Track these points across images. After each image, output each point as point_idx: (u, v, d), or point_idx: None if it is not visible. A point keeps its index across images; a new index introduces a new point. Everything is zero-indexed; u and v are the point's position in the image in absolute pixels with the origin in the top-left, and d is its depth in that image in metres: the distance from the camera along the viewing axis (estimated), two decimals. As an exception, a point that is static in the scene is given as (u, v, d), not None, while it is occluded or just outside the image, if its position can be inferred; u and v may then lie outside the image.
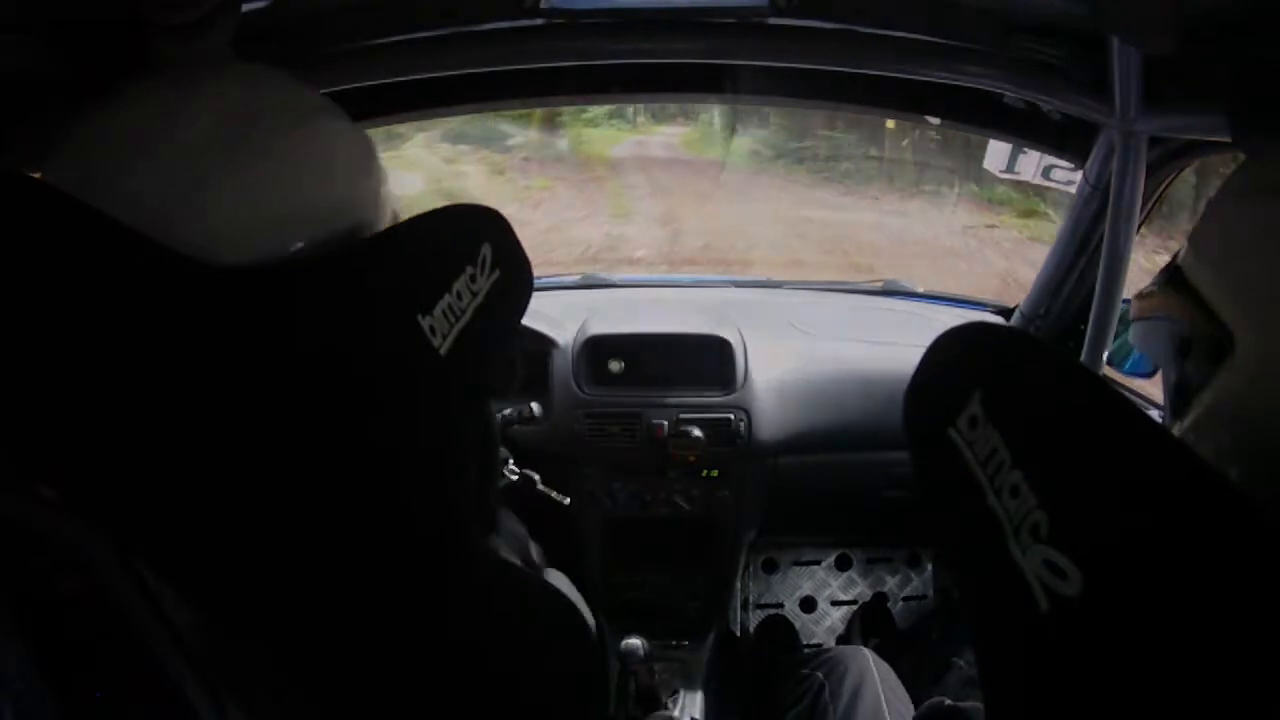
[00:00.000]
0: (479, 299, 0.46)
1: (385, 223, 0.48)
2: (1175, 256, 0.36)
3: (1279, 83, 0.36)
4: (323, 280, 0.39)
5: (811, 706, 0.94)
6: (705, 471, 1.27)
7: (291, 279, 0.38)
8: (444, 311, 0.43)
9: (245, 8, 0.68)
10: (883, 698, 0.92)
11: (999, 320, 1.36)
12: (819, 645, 1.51)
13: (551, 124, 5.89)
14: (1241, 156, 0.35)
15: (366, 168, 0.48)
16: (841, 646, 1.07)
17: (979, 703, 0.74)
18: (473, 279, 0.46)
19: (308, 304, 0.37)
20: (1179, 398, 0.35)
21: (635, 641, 1.10)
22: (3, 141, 0.40)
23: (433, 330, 0.42)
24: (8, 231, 0.30)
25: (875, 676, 0.96)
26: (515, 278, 0.51)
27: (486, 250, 0.48)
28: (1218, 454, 0.32)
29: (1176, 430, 0.35)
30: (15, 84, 0.35)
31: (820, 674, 1.00)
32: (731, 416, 1.23)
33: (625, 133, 6.65)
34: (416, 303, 0.42)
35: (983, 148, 1.21)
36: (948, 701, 0.77)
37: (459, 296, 0.44)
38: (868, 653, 1.03)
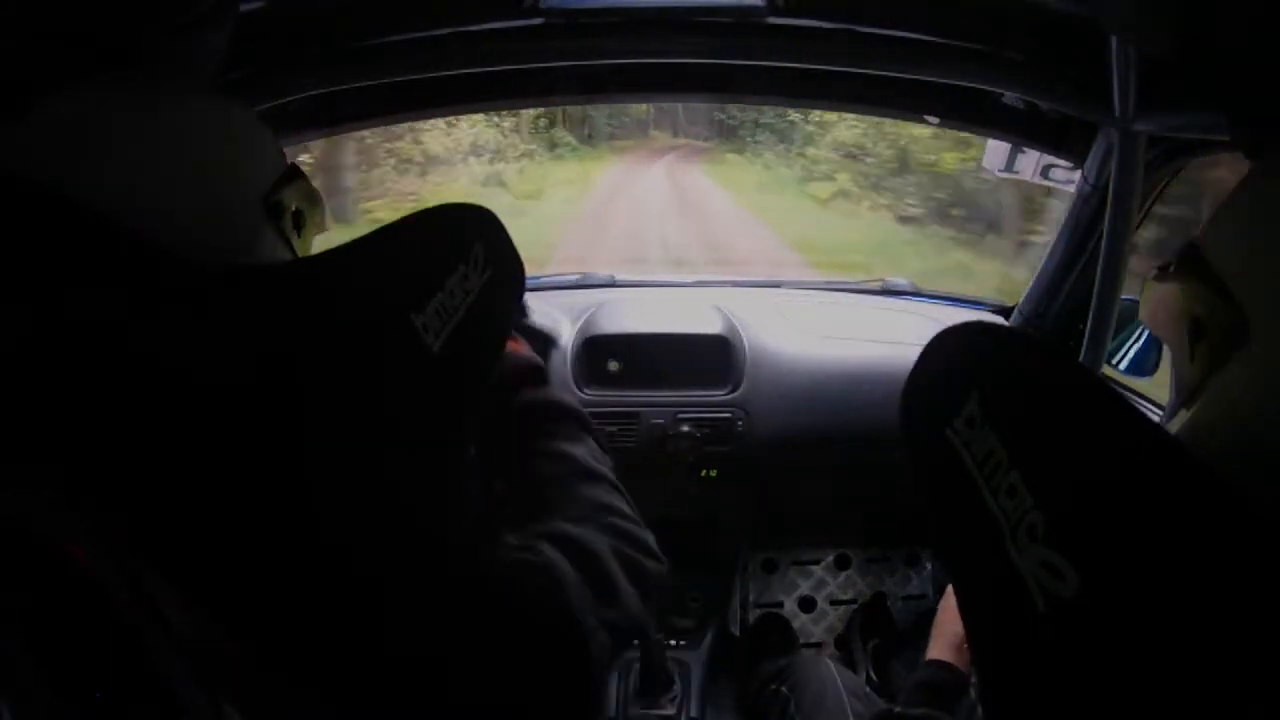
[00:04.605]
0: (472, 297, 0.46)
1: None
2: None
3: (1278, 83, 0.36)
4: (314, 278, 0.39)
5: None
6: (704, 471, 1.27)
7: (284, 277, 0.38)
8: (437, 310, 0.43)
9: (244, 8, 0.68)
10: (848, 707, 0.93)
11: (998, 319, 1.36)
12: (818, 645, 1.52)
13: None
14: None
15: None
16: (805, 657, 1.07)
17: (935, 710, 0.74)
18: (465, 277, 0.46)
19: (300, 301, 0.37)
20: (1187, 383, 0.34)
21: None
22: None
23: (425, 328, 0.41)
24: (4, 230, 0.30)
25: (839, 685, 0.96)
26: (508, 276, 0.51)
27: (479, 248, 0.48)
28: (1223, 446, 0.31)
29: (1181, 419, 0.35)
30: (11, 83, 0.35)
31: (785, 689, 1.00)
32: (730, 416, 1.23)
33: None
34: (408, 301, 0.41)
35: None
36: (897, 709, 0.76)
37: (451, 295, 0.44)
38: (831, 663, 1.03)
